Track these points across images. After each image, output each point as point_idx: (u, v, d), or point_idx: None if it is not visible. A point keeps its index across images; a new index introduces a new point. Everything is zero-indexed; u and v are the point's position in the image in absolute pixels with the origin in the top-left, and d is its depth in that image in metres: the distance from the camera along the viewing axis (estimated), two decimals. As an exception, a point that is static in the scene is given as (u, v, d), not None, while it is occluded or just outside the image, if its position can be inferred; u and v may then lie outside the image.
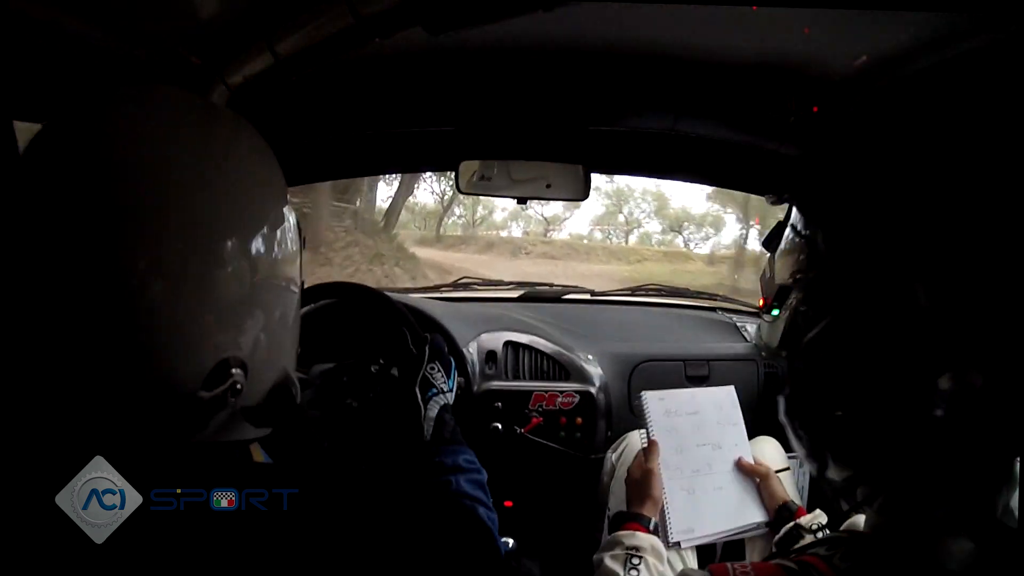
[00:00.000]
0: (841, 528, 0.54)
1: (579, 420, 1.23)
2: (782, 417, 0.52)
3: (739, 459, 0.99)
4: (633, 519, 0.85)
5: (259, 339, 0.50)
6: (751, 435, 1.08)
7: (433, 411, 0.83)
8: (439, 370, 0.88)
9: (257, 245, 0.49)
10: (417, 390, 0.84)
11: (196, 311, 0.45)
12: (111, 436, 0.44)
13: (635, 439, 1.11)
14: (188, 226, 0.45)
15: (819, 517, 0.88)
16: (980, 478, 0.38)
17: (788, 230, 0.49)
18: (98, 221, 0.42)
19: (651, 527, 0.84)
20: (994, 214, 0.37)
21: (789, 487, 0.99)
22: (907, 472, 0.43)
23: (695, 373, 1.34)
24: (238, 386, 0.48)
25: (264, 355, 0.51)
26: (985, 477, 0.38)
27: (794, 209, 0.52)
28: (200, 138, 0.48)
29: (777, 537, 0.89)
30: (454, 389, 0.89)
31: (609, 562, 0.79)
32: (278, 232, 0.52)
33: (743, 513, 0.95)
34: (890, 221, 0.39)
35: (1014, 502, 0.37)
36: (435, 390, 0.85)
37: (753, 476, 0.98)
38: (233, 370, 0.47)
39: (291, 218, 0.54)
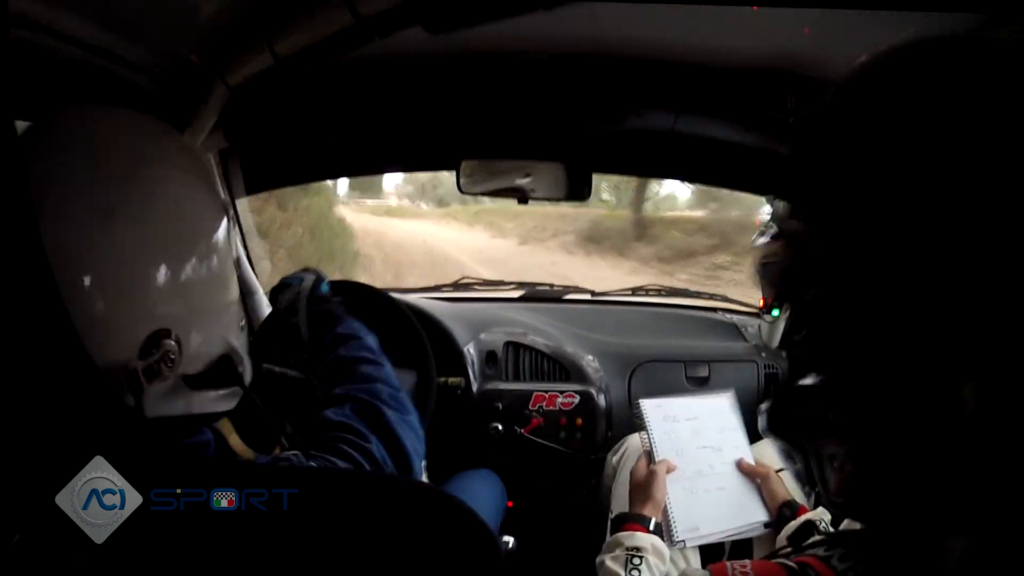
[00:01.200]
0: (839, 528, 0.53)
1: (579, 421, 1.23)
2: (762, 431, 0.50)
3: (740, 460, 1.00)
4: (634, 520, 0.85)
5: (193, 313, 0.55)
6: (751, 436, 1.08)
7: (302, 316, 0.83)
8: (282, 292, 0.88)
9: (197, 234, 0.56)
10: (294, 322, 0.84)
11: (131, 291, 0.51)
12: (57, 411, 0.45)
13: (635, 441, 1.11)
14: (124, 222, 0.51)
15: (823, 514, 0.88)
16: (985, 493, 0.37)
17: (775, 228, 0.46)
18: (43, 213, 0.45)
19: (651, 527, 0.84)
20: (995, 214, 0.36)
21: (790, 488, 0.99)
22: (907, 509, 0.41)
23: (695, 374, 1.34)
24: (171, 355, 0.52)
25: (200, 326, 0.56)
26: (989, 491, 0.37)
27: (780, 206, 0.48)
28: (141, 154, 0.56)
29: (788, 533, 0.89)
30: (303, 278, 0.88)
31: (610, 563, 0.79)
32: (216, 220, 0.58)
33: (745, 513, 0.96)
34: (889, 222, 0.37)
35: None
36: (294, 300, 0.85)
37: (754, 477, 0.98)
38: (165, 340, 0.52)
39: (223, 204, 0.61)
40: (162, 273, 0.53)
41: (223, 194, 0.84)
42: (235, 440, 0.63)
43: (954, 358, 0.35)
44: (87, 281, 0.49)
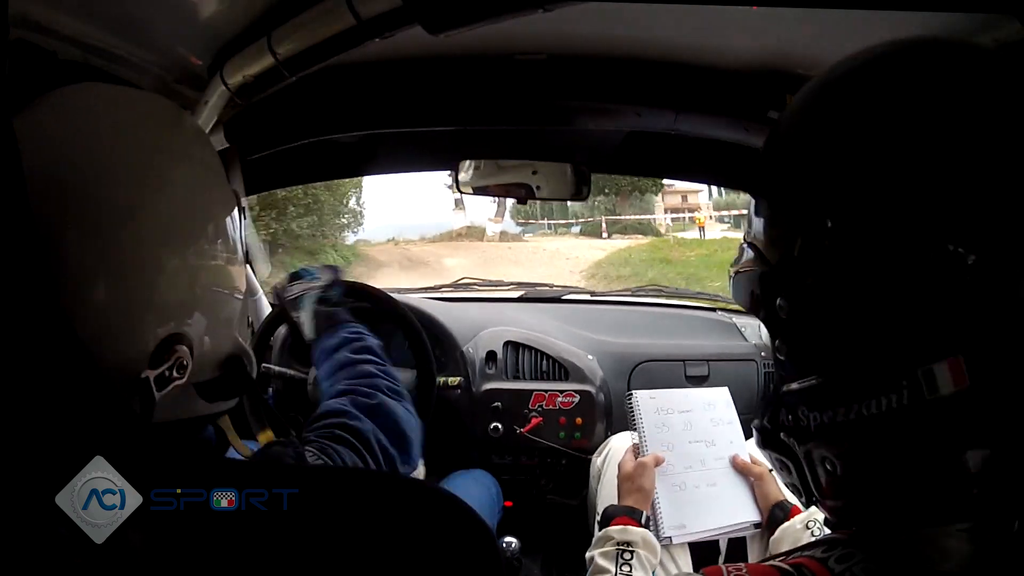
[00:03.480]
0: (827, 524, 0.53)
1: (579, 420, 1.23)
2: (756, 446, 0.50)
3: (734, 457, 0.98)
4: (624, 513, 0.84)
5: (206, 313, 0.52)
6: (749, 435, 1.08)
7: (306, 313, 0.85)
8: (293, 285, 0.89)
9: (208, 225, 0.53)
10: (296, 315, 0.85)
11: (136, 294, 0.47)
12: (66, 422, 0.44)
13: (618, 441, 1.10)
14: (129, 217, 0.47)
15: (816, 515, 0.88)
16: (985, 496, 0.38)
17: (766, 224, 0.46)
18: (46, 211, 0.43)
19: (642, 520, 0.83)
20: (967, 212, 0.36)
21: (784, 490, 0.98)
22: (900, 517, 0.41)
23: (695, 373, 1.34)
24: (184, 362, 0.49)
25: (212, 326, 0.53)
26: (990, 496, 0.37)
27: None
28: (152, 138, 0.51)
29: (779, 535, 0.88)
30: (318, 276, 0.90)
31: (600, 559, 0.78)
32: (225, 210, 0.55)
33: (736, 511, 0.94)
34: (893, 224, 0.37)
35: None
36: (302, 296, 0.86)
37: (748, 475, 0.97)
38: (177, 346, 0.49)
39: (232, 193, 0.58)
40: (176, 272, 0.49)
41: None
42: (234, 437, 0.62)
43: (923, 346, 0.36)
44: (95, 283, 0.46)
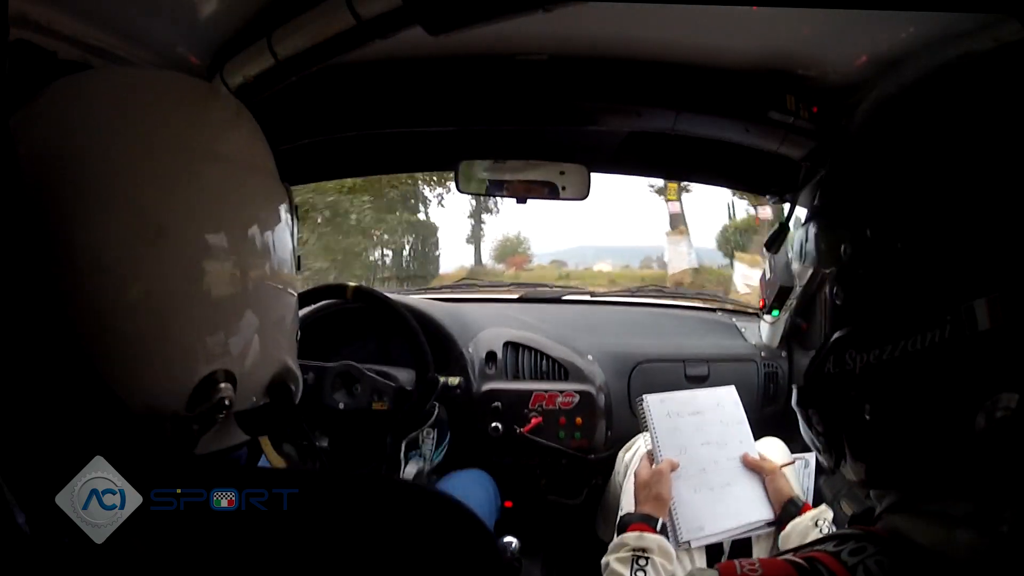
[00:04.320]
0: (848, 524, 0.53)
1: (579, 420, 1.23)
2: (795, 405, 0.52)
3: (744, 455, 0.99)
4: (640, 520, 0.85)
5: (251, 343, 0.46)
6: (753, 435, 1.08)
7: (410, 472, 0.82)
8: (432, 438, 0.87)
9: (253, 234, 0.46)
10: (403, 444, 0.83)
11: (178, 324, 0.41)
12: (59, 411, 0.40)
13: (645, 438, 1.11)
14: (175, 221, 0.41)
15: (825, 512, 0.88)
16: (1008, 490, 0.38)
17: (810, 228, 0.50)
18: (71, 220, 0.39)
19: (658, 528, 0.84)
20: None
21: (795, 482, 0.99)
22: (930, 477, 0.43)
23: (695, 373, 1.34)
24: (226, 402, 0.44)
25: (258, 358, 0.47)
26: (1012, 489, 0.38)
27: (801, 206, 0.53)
28: (191, 120, 0.45)
29: (791, 531, 0.89)
30: (438, 461, 0.88)
31: (616, 565, 0.79)
32: (274, 213, 0.49)
33: (751, 510, 0.95)
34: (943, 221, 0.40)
35: None
36: (418, 453, 0.84)
37: (759, 472, 0.98)
38: (221, 385, 0.43)
39: (285, 206, 0.52)
40: (217, 297, 0.43)
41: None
42: (270, 451, 0.57)
43: (965, 285, 0.39)
44: (123, 312, 0.40)
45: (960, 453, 0.40)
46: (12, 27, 0.62)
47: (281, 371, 0.50)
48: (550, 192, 1.18)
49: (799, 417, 0.52)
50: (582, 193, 1.18)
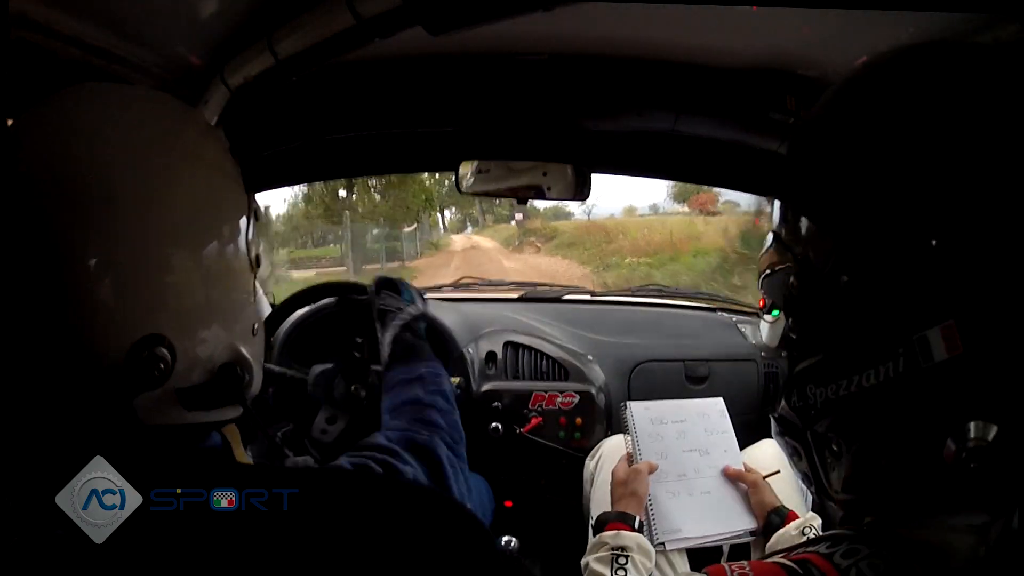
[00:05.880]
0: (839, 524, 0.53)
1: (579, 420, 1.23)
2: (774, 436, 0.52)
3: (726, 467, 0.98)
4: (618, 519, 0.84)
5: (197, 318, 0.50)
6: (751, 436, 1.08)
7: (390, 334, 0.82)
8: (390, 295, 0.87)
9: (209, 226, 0.51)
10: (378, 325, 0.83)
11: (124, 289, 0.47)
12: (41, 404, 0.46)
13: (611, 444, 1.11)
14: (133, 211, 0.47)
15: (812, 520, 0.88)
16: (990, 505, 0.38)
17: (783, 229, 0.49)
18: (44, 205, 0.45)
19: (636, 525, 0.83)
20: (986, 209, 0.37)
21: (791, 488, 0.98)
22: (903, 505, 0.42)
23: (695, 373, 1.34)
24: (161, 365, 0.47)
25: (203, 333, 0.51)
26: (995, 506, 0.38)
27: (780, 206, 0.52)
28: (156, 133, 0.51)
29: (777, 540, 0.88)
30: (414, 300, 0.88)
31: (596, 565, 0.78)
32: (232, 213, 0.54)
33: (731, 519, 0.94)
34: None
35: None
36: (392, 313, 0.84)
37: (742, 483, 0.97)
38: (159, 349, 0.47)
39: (244, 197, 0.56)
40: (164, 271, 0.48)
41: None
42: (237, 444, 0.59)
43: (915, 315, 0.37)
44: (79, 272, 0.45)
45: (931, 481, 0.39)
46: (12, 27, 0.62)
47: (231, 357, 0.54)
48: (550, 192, 1.18)
49: (780, 447, 0.51)
50: (582, 193, 1.18)
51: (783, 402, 0.48)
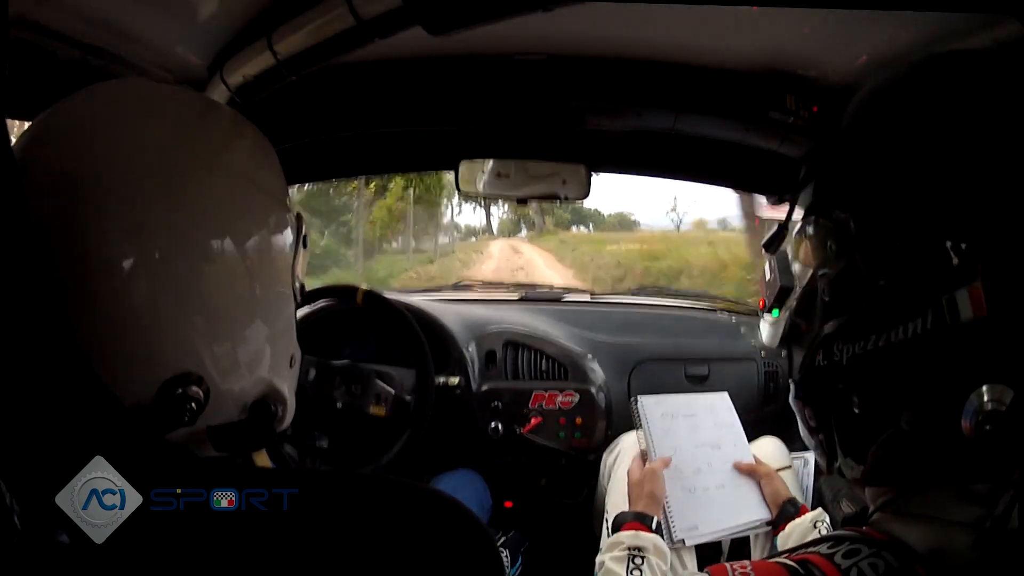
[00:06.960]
0: (841, 525, 0.53)
1: (578, 420, 1.23)
2: (791, 399, 0.52)
3: (738, 461, 0.99)
4: (635, 519, 0.84)
5: (233, 352, 0.46)
6: (752, 434, 1.08)
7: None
8: (507, 557, 0.88)
9: (245, 248, 0.47)
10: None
11: (154, 322, 0.42)
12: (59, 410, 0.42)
13: (629, 440, 1.11)
14: (167, 222, 0.43)
15: (823, 515, 0.88)
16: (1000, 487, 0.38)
17: (805, 225, 0.51)
18: (70, 215, 0.41)
19: (653, 526, 0.84)
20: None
21: (792, 486, 0.99)
22: (923, 476, 0.43)
23: (695, 373, 1.34)
24: (193, 404, 0.44)
25: (238, 374, 0.47)
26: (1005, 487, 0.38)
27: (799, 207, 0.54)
28: (192, 133, 0.47)
29: (791, 531, 0.89)
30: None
31: (611, 564, 0.78)
32: (271, 234, 0.49)
33: (746, 511, 0.95)
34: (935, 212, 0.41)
35: None
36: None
37: (753, 476, 0.98)
38: (191, 388, 0.44)
39: (289, 219, 0.52)
40: (200, 302, 0.44)
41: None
42: (263, 458, 0.58)
43: (946, 276, 0.39)
44: (105, 303, 0.41)
45: (947, 444, 0.40)
46: (12, 28, 0.62)
47: (266, 392, 0.50)
48: (550, 192, 1.18)
49: (796, 414, 0.52)
50: (583, 193, 1.18)
51: (804, 365, 0.50)
